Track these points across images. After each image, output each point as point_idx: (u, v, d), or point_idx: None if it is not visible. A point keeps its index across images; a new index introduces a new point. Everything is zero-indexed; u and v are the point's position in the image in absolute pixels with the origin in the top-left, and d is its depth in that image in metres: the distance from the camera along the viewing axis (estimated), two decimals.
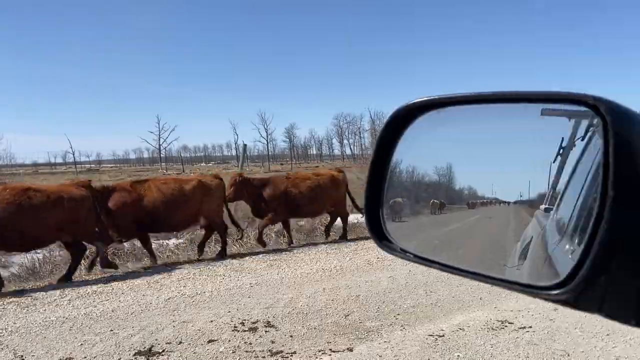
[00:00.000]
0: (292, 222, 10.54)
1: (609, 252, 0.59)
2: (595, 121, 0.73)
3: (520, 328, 4.57)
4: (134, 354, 4.31)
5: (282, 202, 9.21)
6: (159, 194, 8.05)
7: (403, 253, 1.00)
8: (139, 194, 7.97)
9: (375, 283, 6.36)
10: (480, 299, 5.46)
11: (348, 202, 10.37)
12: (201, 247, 8.69)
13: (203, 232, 9.77)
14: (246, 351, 4.29)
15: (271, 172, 51.67)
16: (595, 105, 0.68)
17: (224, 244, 8.73)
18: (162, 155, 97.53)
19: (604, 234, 0.59)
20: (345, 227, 10.03)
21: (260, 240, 9.09)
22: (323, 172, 10.30)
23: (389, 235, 1.03)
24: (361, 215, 11.48)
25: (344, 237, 9.91)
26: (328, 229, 10.14)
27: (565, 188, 0.93)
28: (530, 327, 4.58)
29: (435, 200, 1.13)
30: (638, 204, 0.59)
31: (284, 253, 8.72)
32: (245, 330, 4.77)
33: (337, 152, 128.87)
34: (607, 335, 4.23)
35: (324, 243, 9.54)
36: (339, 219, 10.18)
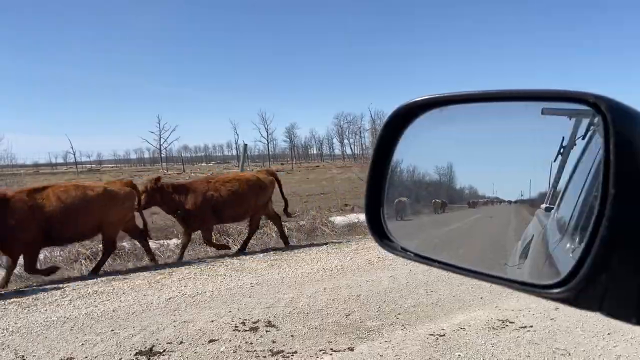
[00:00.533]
0: (289, 222, 10.48)
1: (609, 250, 0.59)
2: (595, 120, 0.73)
3: (521, 327, 4.57)
4: (135, 354, 4.31)
5: (202, 207, 8.49)
6: (57, 203, 7.28)
7: (404, 252, 1.00)
8: (36, 203, 7.17)
9: (376, 282, 6.36)
10: (481, 298, 5.46)
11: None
12: (96, 268, 7.74)
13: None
14: (247, 351, 4.29)
15: None
16: (596, 103, 0.68)
17: (103, 260, 7.87)
18: (162, 155, 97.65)
19: (605, 231, 0.59)
20: (282, 230, 9.44)
21: (180, 258, 8.39)
22: (247, 175, 9.53)
23: (390, 234, 1.03)
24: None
25: (285, 243, 9.31)
26: (248, 239, 9.25)
27: (566, 187, 0.93)
28: (531, 326, 4.58)
29: (437, 200, 1.13)
30: (639, 202, 0.59)
31: (284, 253, 8.72)
32: (246, 330, 4.78)
33: (337, 151, 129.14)
34: (608, 334, 4.23)
35: (324, 243, 9.54)
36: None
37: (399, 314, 5.14)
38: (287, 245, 9.31)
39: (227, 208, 8.72)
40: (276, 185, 9.57)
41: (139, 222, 8.35)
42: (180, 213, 8.54)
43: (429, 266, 0.96)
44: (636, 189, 0.59)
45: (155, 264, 8.02)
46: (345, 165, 54.85)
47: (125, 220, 8.09)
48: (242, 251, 8.97)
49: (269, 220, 9.82)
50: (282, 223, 9.63)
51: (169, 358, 4.22)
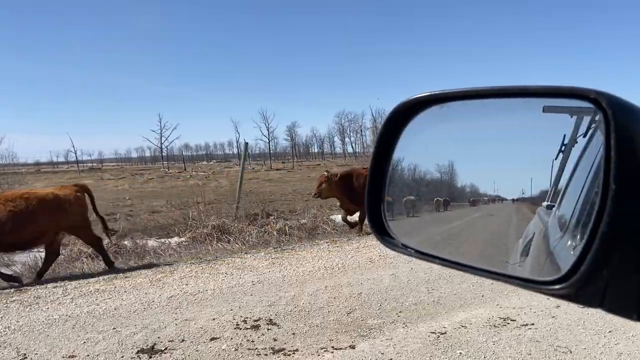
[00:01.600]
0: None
1: (610, 246, 0.59)
2: (597, 117, 0.73)
3: (523, 325, 4.57)
4: (137, 352, 4.32)
5: None
6: None
7: (404, 248, 0.99)
8: None
9: (377, 281, 6.36)
10: (482, 296, 5.46)
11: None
12: None
13: (205, 231, 9.79)
14: (248, 349, 4.30)
15: (272, 170, 51.72)
16: (597, 99, 0.68)
17: None
18: (164, 153, 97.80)
19: (606, 227, 0.59)
20: (103, 252, 7.86)
21: None
22: (42, 192, 7.60)
23: (391, 230, 1.03)
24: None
25: (108, 265, 7.75)
26: (45, 267, 7.57)
27: (567, 185, 0.93)
28: (533, 324, 4.58)
29: (439, 198, 1.14)
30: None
31: (285, 251, 8.72)
32: (247, 328, 4.78)
33: (338, 150, 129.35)
34: (610, 332, 4.23)
35: (326, 241, 9.54)
36: None
37: (400, 312, 5.14)
38: (110, 267, 7.74)
39: (6, 233, 6.98)
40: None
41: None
42: None
43: (430, 263, 0.96)
44: (637, 184, 0.59)
45: None
46: (347, 164, 54.84)
47: None
48: (39, 279, 7.33)
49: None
50: (288, 222, 9.62)
51: (170, 356, 4.22)
